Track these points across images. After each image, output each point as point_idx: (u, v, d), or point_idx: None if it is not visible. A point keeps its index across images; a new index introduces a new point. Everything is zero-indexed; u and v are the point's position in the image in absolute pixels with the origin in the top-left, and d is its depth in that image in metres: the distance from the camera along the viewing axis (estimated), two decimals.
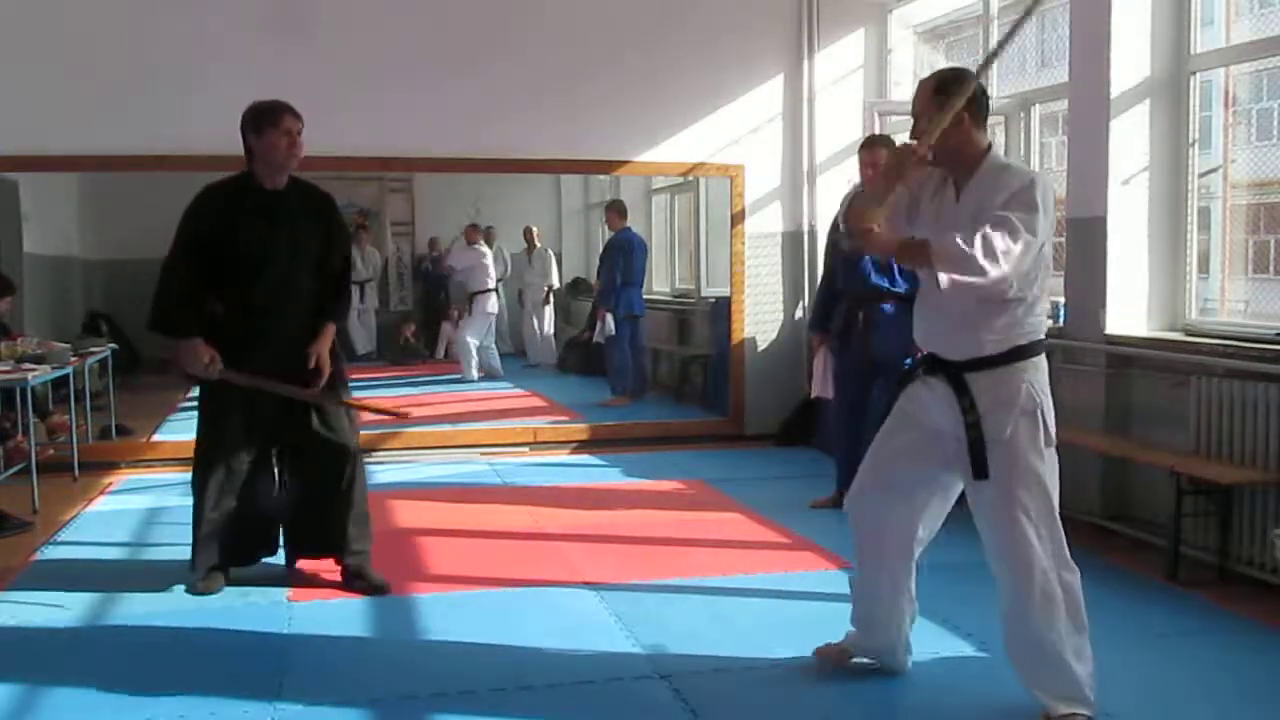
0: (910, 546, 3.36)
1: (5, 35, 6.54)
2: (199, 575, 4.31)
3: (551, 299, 12.45)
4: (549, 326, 12.48)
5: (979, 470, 3.09)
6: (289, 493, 4.40)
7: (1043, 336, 3.13)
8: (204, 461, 4.31)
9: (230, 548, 4.37)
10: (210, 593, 4.28)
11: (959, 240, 2.86)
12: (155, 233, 12.35)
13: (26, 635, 3.93)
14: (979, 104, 3.08)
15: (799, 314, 7.71)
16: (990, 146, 3.13)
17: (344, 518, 4.34)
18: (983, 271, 2.84)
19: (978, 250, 2.83)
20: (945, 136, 2.99)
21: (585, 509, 5.75)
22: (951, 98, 2.97)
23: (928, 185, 3.17)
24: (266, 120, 4.30)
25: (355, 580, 4.34)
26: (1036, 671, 3.13)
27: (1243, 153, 5.36)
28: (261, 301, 4.27)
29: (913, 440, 3.24)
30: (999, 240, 2.85)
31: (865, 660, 3.50)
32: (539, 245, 12.42)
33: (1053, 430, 3.12)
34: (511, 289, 12.92)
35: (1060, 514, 5.25)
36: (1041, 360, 3.13)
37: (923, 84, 3.15)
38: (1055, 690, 3.10)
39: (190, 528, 4.35)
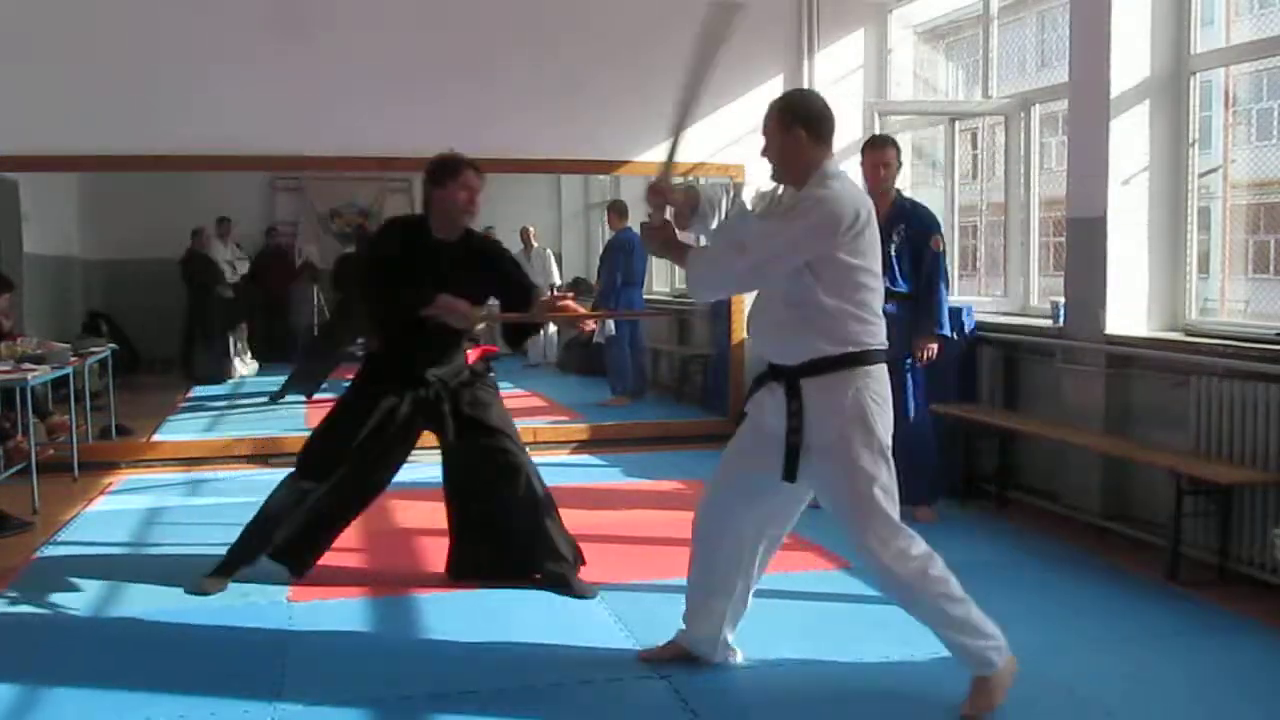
0: (746, 549, 3.42)
1: (5, 35, 6.54)
2: (224, 572, 4.33)
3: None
4: (551, 326, 12.45)
5: (788, 473, 3.20)
6: (470, 513, 4.45)
7: (877, 347, 3.20)
8: (315, 456, 4.39)
9: (291, 546, 4.39)
10: (216, 592, 4.28)
11: (712, 255, 3.28)
12: (155, 233, 12.45)
13: (26, 635, 3.93)
14: (815, 122, 3.24)
15: None
16: (825, 163, 3.23)
17: (523, 538, 4.37)
18: (730, 266, 3.18)
19: (723, 252, 3.21)
20: (783, 151, 3.23)
21: (585, 509, 5.74)
22: (796, 120, 3.22)
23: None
24: (448, 173, 4.32)
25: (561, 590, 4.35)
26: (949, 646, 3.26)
27: (1243, 153, 5.36)
28: (411, 346, 4.30)
29: (755, 444, 3.34)
30: (750, 240, 3.15)
31: (689, 654, 3.56)
32: (536, 245, 12.41)
33: (886, 440, 3.19)
34: None
35: (1060, 514, 5.27)
36: (877, 370, 3.20)
37: (771, 104, 3.33)
38: (964, 662, 3.23)
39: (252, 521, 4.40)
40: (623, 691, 3.43)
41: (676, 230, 3.36)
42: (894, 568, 3.17)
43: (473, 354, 4.41)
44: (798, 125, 3.22)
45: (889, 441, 3.21)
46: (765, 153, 3.30)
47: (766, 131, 3.29)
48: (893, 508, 3.19)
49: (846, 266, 3.13)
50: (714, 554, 3.44)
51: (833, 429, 3.15)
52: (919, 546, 3.20)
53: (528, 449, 4.51)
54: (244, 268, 12.46)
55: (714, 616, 3.48)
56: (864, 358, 3.17)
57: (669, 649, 3.59)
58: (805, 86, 7.50)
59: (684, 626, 3.57)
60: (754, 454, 3.32)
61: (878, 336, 3.21)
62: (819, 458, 3.18)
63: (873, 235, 3.20)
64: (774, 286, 3.21)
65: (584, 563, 4.45)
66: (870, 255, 3.19)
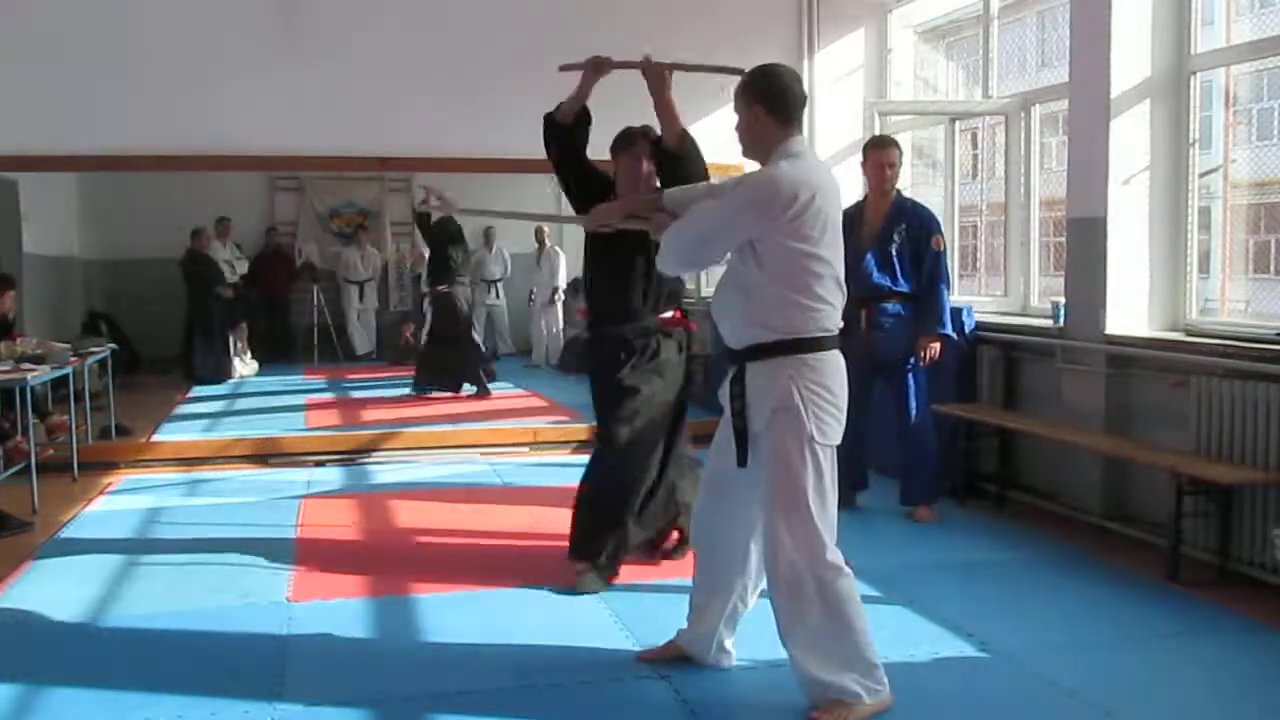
0: (740, 546, 3.38)
1: (5, 35, 6.54)
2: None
3: (558, 301, 12.32)
4: (557, 328, 12.34)
5: (740, 458, 3.19)
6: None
7: (819, 335, 3.13)
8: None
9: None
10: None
11: (672, 227, 3.30)
12: (155, 233, 12.47)
13: (26, 635, 3.93)
14: (774, 100, 3.18)
15: None
16: (788, 141, 3.18)
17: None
18: (679, 237, 3.24)
19: (677, 224, 3.28)
20: (746, 129, 3.23)
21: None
22: (755, 97, 3.19)
23: None
24: (622, 146, 4.51)
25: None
26: (794, 664, 3.17)
27: (1243, 153, 5.36)
28: (610, 304, 4.46)
29: (725, 434, 3.33)
30: (695, 214, 3.25)
31: (687, 655, 3.53)
32: (548, 245, 12.35)
33: (820, 432, 3.11)
34: (520, 289, 12.91)
35: (1060, 514, 5.25)
36: (818, 360, 3.12)
37: (740, 80, 3.32)
38: (806, 688, 3.17)
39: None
40: (623, 691, 3.42)
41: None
42: (805, 564, 3.09)
43: (670, 316, 4.49)
44: (757, 103, 3.19)
45: (825, 436, 3.12)
46: (736, 128, 3.29)
47: (736, 108, 3.27)
48: (820, 506, 3.12)
49: (790, 251, 3.07)
50: (710, 553, 3.43)
51: (764, 415, 3.13)
52: (833, 555, 3.12)
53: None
54: (243, 267, 12.46)
55: (712, 617, 3.46)
56: (802, 345, 3.10)
57: (668, 649, 3.58)
58: (806, 86, 7.51)
59: (685, 626, 3.56)
60: (725, 445, 3.31)
61: (823, 324, 3.13)
62: (759, 442, 3.17)
63: (825, 220, 3.09)
64: (717, 262, 3.24)
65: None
66: (821, 240, 3.09)
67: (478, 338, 10.55)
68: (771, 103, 3.18)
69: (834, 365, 3.17)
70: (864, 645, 3.14)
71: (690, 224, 3.25)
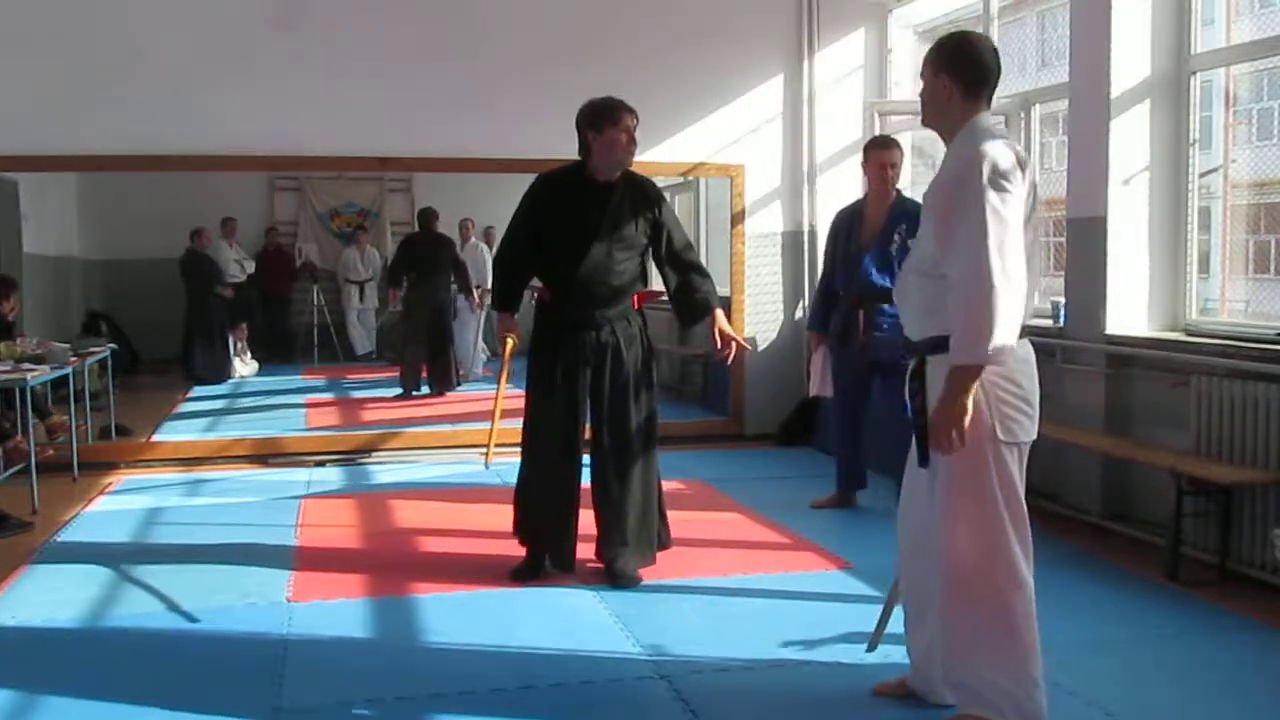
0: (925, 553, 3.04)
1: (5, 35, 6.54)
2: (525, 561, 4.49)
3: None
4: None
5: (920, 456, 2.94)
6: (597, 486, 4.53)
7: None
8: (525, 443, 4.51)
9: (544, 538, 4.52)
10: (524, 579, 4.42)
11: (954, 319, 2.75)
12: (155, 232, 12.46)
13: (26, 635, 3.93)
14: (961, 68, 2.90)
15: (799, 314, 7.71)
16: (976, 117, 2.90)
17: (612, 516, 4.49)
18: (988, 297, 2.67)
19: (961, 297, 2.72)
20: (928, 100, 2.97)
21: (585, 509, 5.73)
22: (935, 65, 2.94)
23: None
24: (607, 119, 4.33)
25: (606, 576, 4.44)
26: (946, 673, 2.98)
27: (1243, 153, 5.36)
28: (576, 286, 4.37)
29: (914, 474, 3.09)
30: (960, 263, 2.74)
31: (919, 693, 3.25)
32: None
33: (1005, 429, 2.83)
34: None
35: (1060, 514, 5.25)
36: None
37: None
38: (965, 699, 2.96)
39: None
40: (623, 691, 3.42)
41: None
42: (971, 558, 2.84)
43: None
44: (944, 71, 2.92)
45: (1012, 434, 2.82)
46: (920, 95, 3.02)
47: (922, 74, 3.00)
48: (1010, 504, 2.83)
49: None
50: (907, 562, 3.14)
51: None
52: (1019, 566, 2.84)
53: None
54: (250, 267, 12.47)
55: (924, 636, 3.16)
56: None
57: (895, 685, 3.29)
58: (806, 86, 7.53)
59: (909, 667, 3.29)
60: (916, 485, 3.07)
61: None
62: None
63: (1033, 200, 2.85)
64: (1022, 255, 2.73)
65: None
66: (1025, 223, 2.80)
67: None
68: (960, 72, 2.89)
69: (1022, 358, 2.86)
70: (1031, 663, 2.91)
71: (970, 282, 2.71)
